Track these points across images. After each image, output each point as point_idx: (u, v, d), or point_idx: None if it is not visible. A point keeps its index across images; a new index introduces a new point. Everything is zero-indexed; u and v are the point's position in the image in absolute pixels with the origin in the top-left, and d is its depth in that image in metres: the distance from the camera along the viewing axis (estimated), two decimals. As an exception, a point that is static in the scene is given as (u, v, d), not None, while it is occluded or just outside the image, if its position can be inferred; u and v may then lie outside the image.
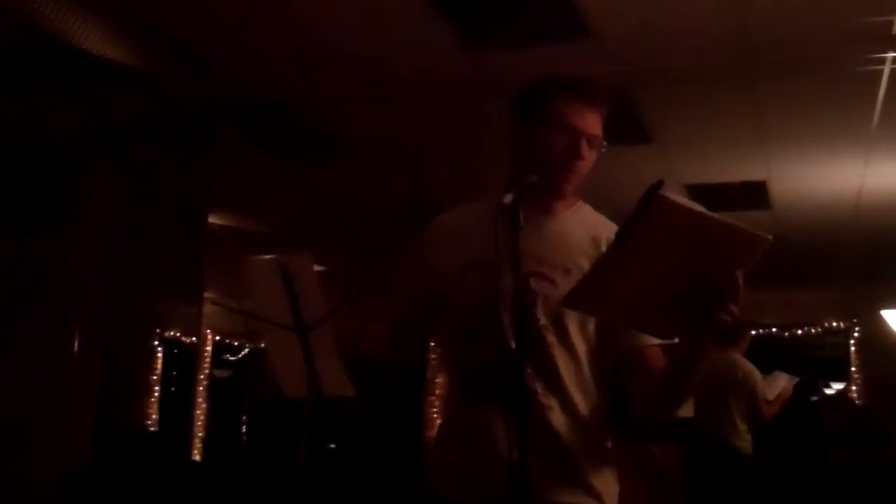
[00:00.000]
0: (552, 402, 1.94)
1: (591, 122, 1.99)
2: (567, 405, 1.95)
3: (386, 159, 6.36)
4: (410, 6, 4.04)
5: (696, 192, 6.80)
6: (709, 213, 1.58)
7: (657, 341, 1.90)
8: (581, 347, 1.97)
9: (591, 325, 1.98)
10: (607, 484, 2.01)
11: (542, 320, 1.95)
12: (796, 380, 6.14)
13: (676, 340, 1.79)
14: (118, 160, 5.75)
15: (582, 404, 1.97)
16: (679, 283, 1.65)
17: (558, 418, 1.94)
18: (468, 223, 2.05)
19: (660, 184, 1.54)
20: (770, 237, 1.59)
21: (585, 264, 1.93)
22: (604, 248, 1.92)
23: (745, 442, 5.86)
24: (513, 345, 1.82)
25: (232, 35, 4.47)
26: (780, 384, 6.02)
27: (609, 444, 2.05)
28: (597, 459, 2.00)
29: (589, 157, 2.00)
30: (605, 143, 2.02)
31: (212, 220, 7.68)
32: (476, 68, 4.71)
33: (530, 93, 2.05)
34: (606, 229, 2.00)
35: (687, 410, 5.37)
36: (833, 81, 4.79)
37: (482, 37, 4.40)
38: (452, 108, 5.34)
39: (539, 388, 1.93)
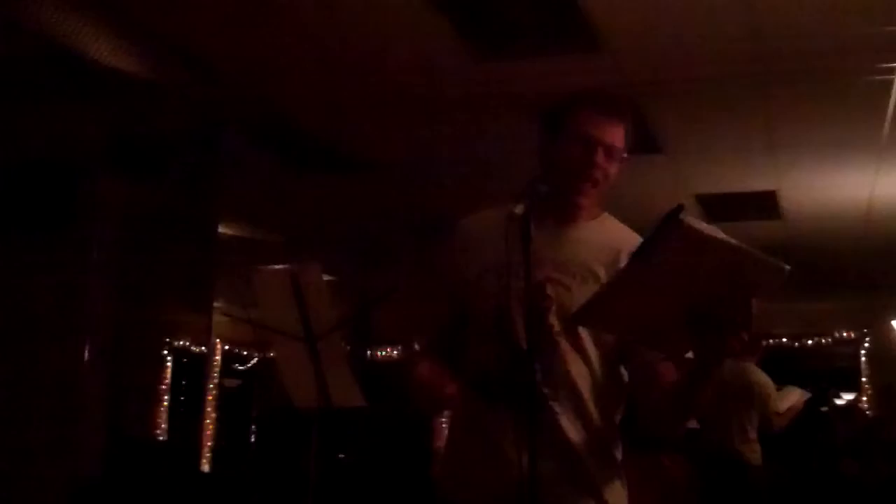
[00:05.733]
0: (564, 409, 1.94)
1: (610, 133, 1.99)
2: (579, 412, 1.95)
3: (396, 170, 6.36)
4: (422, 18, 4.05)
5: (706, 202, 6.79)
6: (729, 240, 1.55)
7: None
8: (595, 355, 1.97)
9: (608, 334, 1.98)
10: (616, 493, 2.01)
11: (557, 326, 1.95)
12: (808, 395, 6.09)
13: (689, 355, 1.79)
14: (128, 170, 5.75)
15: (594, 412, 1.97)
16: (692, 305, 1.63)
17: (570, 425, 1.94)
18: (486, 229, 2.05)
19: (680, 208, 1.51)
20: (788, 267, 1.58)
21: (602, 274, 1.94)
22: (624, 260, 1.90)
23: (754, 452, 5.82)
24: (524, 347, 1.83)
25: (244, 46, 4.48)
26: (792, 398, 5.97)
27: (619, 454, 2.04)
28: (607, 468, 2.00)
29: (607, 167, 2.00)
30: (625, 155, 2.02)
31: (222, 229, 7.69)
32: (487, 80, 4.72)
33: (554, 105, 2.07)
34: (630, 242, 1.97)
35: (692, 421, 5.33)
36: (844, 92, 4.78)
37: (493, 49, 4.40)
38: (464, 120, 5.34)
39: (551, 393, 1.93)
